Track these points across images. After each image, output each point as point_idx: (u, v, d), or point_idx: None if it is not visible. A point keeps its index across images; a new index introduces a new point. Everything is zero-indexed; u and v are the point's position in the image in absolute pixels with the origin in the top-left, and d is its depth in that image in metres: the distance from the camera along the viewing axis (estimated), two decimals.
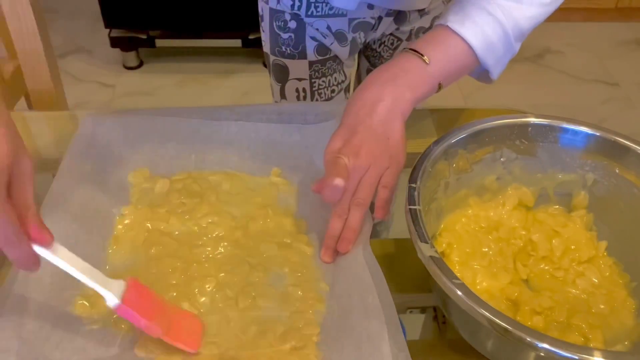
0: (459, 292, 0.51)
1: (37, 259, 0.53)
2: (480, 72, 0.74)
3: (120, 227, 0.69)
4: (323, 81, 1.02)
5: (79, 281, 0.55)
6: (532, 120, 0.69)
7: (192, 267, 0.65)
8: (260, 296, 0.63)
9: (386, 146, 0.66)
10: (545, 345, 0.48)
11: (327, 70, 1.01)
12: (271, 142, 0.80)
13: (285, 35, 0.97)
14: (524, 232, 0.69)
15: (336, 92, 1.05)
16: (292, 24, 0.96)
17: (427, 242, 0.55)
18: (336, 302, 0.62)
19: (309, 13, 0.93)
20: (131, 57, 2.43)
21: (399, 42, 1.03)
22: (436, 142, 0.65)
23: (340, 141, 0.67)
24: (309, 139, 0.80)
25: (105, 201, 0.71)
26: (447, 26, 0.68)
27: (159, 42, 2.37)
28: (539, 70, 2.58)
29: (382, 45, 1.05)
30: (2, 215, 0.48)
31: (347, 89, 1.09)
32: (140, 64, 2.47)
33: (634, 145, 0.65)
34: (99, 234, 0.68)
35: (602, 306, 0.62)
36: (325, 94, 1.04)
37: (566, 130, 0.69)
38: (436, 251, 0.54)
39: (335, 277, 0.65)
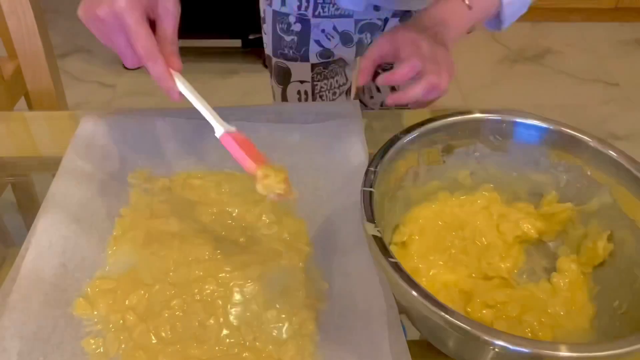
0: (392, 270, 0.52)
1: (173, 80, 0.62)
2: (492, 21, 0.78)
3: (119, 227, 0.69)
4: (325, 84, 1.02)
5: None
6: (505, 117, 0.68)
7: (192, 267, 0.65)
8: (260, 295, 0.63)
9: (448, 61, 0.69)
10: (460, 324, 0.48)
11: (329, 72, 1.01)
12: (271, 142, 0.80)
13: (288, 38, 0.97)
14: (489, 231, 0.69)
15: (337, 94, 1.06)
16: (297, 27, 0.96)
17: (372, 222, 0.56)
18: (337, 302, 0.62)
19: (316, 13, 0.94)
20: None
21: None
22: (404, 131, 0.66)
23: (415, 31, 0.69)
24: (309, 139, 0.80)
25: (105, 201, 0.71)
26: None
27: None
28: (539, 70, 2.57)
29: None
30: (142, 30, 0.58)
31: (348, 91, 1.09)
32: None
33: (603, 147, 0.65)
34: (98, 234, 0.68)
35: (557, 307, 0.62)
36: (327, 96, 1.04)
37: (539, 128, 0.68)
38: (379, 231, 0.55)
39: (338, 277, 0.65)
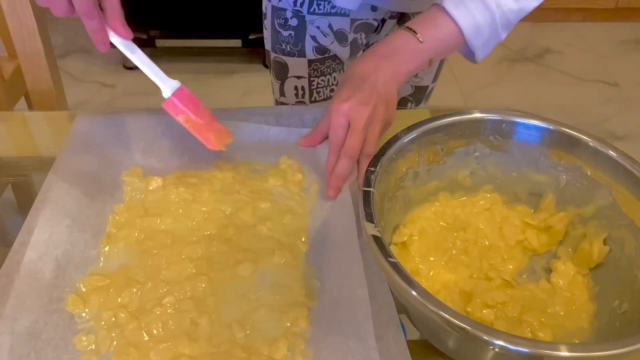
0: (392, 270, 0.52)
1: (106, 39, 0.68)
2: (467, 52, 0.78)
3: (113, 225, 0.70)
4: (322, 80, 1.03)
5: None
6: (505, 117, 0.68)
7: (184, 264, 0.66)
8: (252, 293, 0.63)
9: (386, 108, 0.71)
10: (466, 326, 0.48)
11: (326, 69, 1.01)
12: (267, 143, 0.80)
13: (285, 33, 0.98)
14: (491, 233, 0.69)
15: (335, 92, 1.06)
16: (293, 22, 0.96)
17: (372, 222, 0.56)
18: (328, 299, 0.62)
19: (311, 10, 0.94)
20: None
21: None
22: (404, 131, 0.66)
23: (347, 93, 0.71)
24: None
25: (99, 199, 0.72)
26: (443, 7, 0.72)
27: (159, 42, 2.37)
28: (539, 70, 2.58)
29: None
30: None
31: None
32: None
33: (604, 148, 0.65)
34: (92, 231, 0.68)
35: (557, 307, 0.62)
36: (324, 93, 1.04)
37: (539, 128, 0.68)
38: (379, 231, 0.55)
39: (329, 275, 0.65)
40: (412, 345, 0.57)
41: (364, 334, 0.57)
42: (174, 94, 0.72)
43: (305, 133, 0.80)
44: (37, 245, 0.64)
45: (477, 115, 0.69)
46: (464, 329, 0.47)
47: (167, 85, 0.72)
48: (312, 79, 1.02)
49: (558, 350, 0.46)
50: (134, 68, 2.53)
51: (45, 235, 0.65)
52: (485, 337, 0.47)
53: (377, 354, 0.55)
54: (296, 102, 1.07)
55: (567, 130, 0.67)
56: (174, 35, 2.38)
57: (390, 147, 0.64)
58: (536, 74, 2.55)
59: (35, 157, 0.84)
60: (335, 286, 0.63)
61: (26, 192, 0.85)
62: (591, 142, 0.65)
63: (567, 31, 2.79)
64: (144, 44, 2.35)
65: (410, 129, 0.66)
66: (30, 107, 1.38)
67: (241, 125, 0.81)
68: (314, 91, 1.04)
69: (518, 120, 0.68)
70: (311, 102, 1.06)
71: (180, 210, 0.71)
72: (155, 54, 2.50)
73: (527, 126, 0.68)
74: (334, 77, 1.04)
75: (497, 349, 0.47)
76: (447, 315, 0.48)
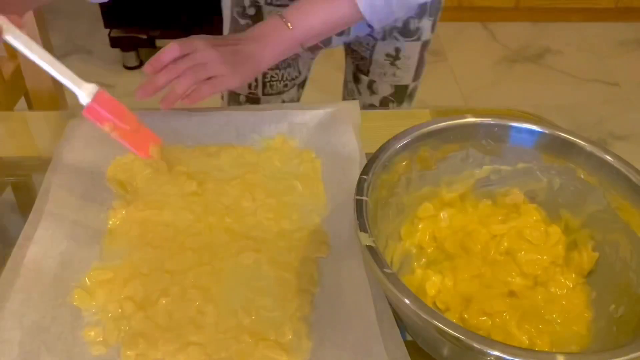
0: (388, 281, 0.51)
1: None
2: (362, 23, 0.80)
3: (114, 219, 0.70)
4: (276, 73, 1.02)
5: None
6: (498, 121, 0.68)
7: (187, 255, 0.66)
8: (256, 281, 0.64)
9: (220, 62, 0.74)
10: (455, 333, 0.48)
11: (280, 63, 1.00)
12: (261, 119, 0.82)
13: (242, 22, 0.98)
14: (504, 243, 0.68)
15: (289, 87, 1.05)
16: (251, 11, 0.96)
17: (366, 232, 0.55)
18: (331, 285, 0.64)
19: (268, 1, 0.94)
20: (131, 57, 2.43)
21: (374, 41, 1.03)
22: (396, 137, 0.65)
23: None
24: (296, 126, 0.81)
25: (99, 194, 0.72)
26: None
27: (159, 42, 2.36)
28: (539, 70, 2.57)
29: (360, 46, 1.05)
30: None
31: (301, 85, 1.09)
32: (140, 64, 2.46)
33: (599, 151, 0.64)
34: (94, 225, 0.69)
35: (555, 314, 0.62)
36: (277, 87, 1.04)
37: (532, 132, 0.67)
38: (374, 241, 0.54)
39: (331, 263, 0.66)
40: (410, 345, 0.57)
41: (371, 323, 0.58)
42: (93, 100, 0.66)
43: (292, 116, 0.81)
44: (41, 242, 0.65)
45: (470, 119, 0.68)
46: (458, 338, 0.47)
47: (83, 90, 0.65)
48: (265, 71, 1.02)
49: None
50: (134, 68, 2.53)
51: (48, 231, 0.66)
52: (480, 347, 0.46)
53: (383, 348, 0.56)
54: (248, 93, 1.06)
55: (560, 133, 0.66)
56: (174, 35, 2.36)
57: (382, 154, 0.63)
58: (536, 74, 2.55)
59: (35, 157, 0.84)
60: (339, 275, 0.64)
61: (26, 192, 0.85)
62: (586, 146, 0.65)
63: (567, 31, 2.78)
64: (144, 44, 2.35)
65: (402, 134, 0.65)
66: (30, 107, 1.38)
67: (227, 113, 0.83)
68: (267, 84, 1.03)
69: (511, 124, 0.68)
70: (264, 94, 1.05)
71: (181, 203, 0.72)
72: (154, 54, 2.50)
73: (520, 130, 0.68)
74: (288, 73, 1.03)
75: (492, 359, 0.47)
76: (441, 325, 0.48)
